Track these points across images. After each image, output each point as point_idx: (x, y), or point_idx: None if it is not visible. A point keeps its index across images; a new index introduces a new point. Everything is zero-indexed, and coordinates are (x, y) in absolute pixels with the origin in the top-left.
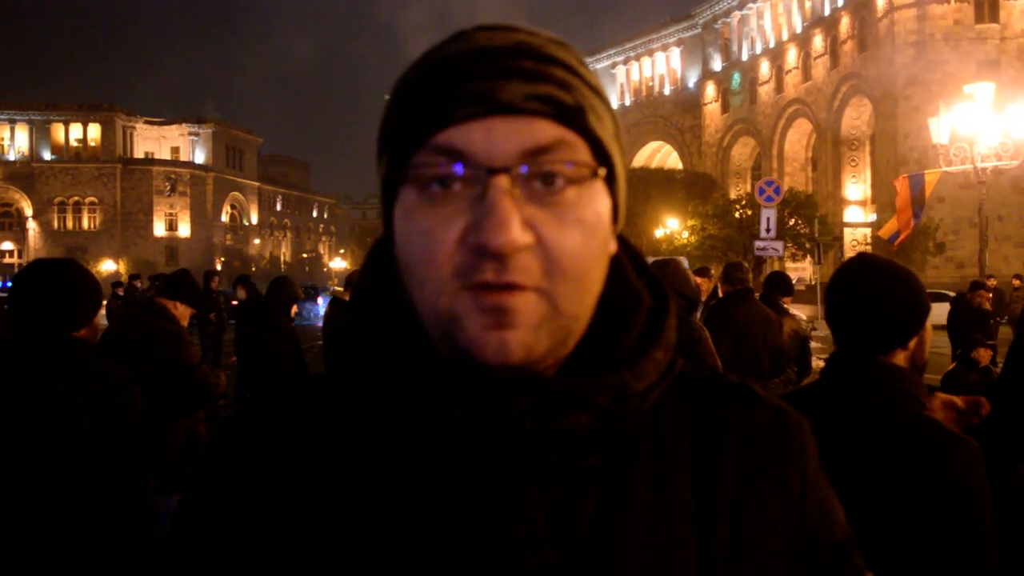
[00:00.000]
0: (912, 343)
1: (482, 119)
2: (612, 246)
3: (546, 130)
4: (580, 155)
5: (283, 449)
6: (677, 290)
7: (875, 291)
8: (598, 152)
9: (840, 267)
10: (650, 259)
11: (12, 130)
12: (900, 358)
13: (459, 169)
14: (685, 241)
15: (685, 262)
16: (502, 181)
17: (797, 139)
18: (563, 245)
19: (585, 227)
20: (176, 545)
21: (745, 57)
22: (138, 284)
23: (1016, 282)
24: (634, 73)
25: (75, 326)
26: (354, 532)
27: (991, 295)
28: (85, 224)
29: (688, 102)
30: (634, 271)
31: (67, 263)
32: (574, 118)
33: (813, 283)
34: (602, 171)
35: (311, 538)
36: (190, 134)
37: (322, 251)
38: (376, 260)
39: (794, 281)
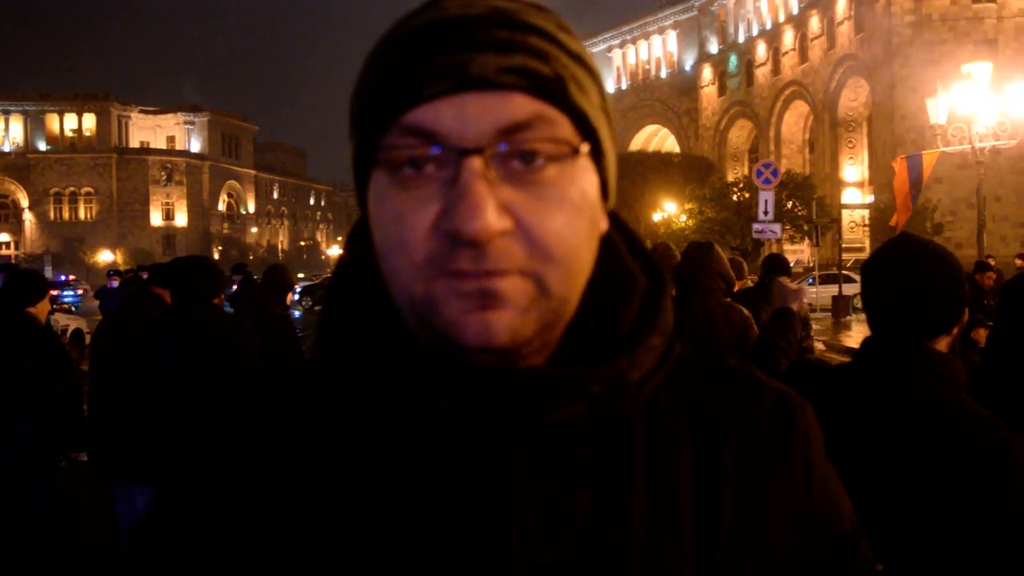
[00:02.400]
0: (955, 329)
1: (452, 96)
2: (602, 224)
3: (522, 105)
4: (561, 131)
5: (262, 446)
6: (721, 274)
7: (923, 276)
8: (582, 126)
9: (882, 248)
10: (658, 244)
11: (6, 121)
12: (943, 344)
13: (428, 151)
14: (683, 224)
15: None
16: (475, 163)
17: (794, 121)
18: (546, 227)
19: (569, 207)
20: (149, 545)
21: (742, 39)
22: (144, 276)
23: (1019, 262)
24: (630, 57)
25: (214, 296)
26: (338, 532)
27: (994, 275)
28: (82, 214)
29: (685, 85)
30: (628, 250)
31: (205, 258)
32: (553, 91)
33: (811, 265)
34: (585, 147)
35: (293, 539)
36: (185, 123)
37: (320, 239)
38: (356, 243)
39: (792, 263)
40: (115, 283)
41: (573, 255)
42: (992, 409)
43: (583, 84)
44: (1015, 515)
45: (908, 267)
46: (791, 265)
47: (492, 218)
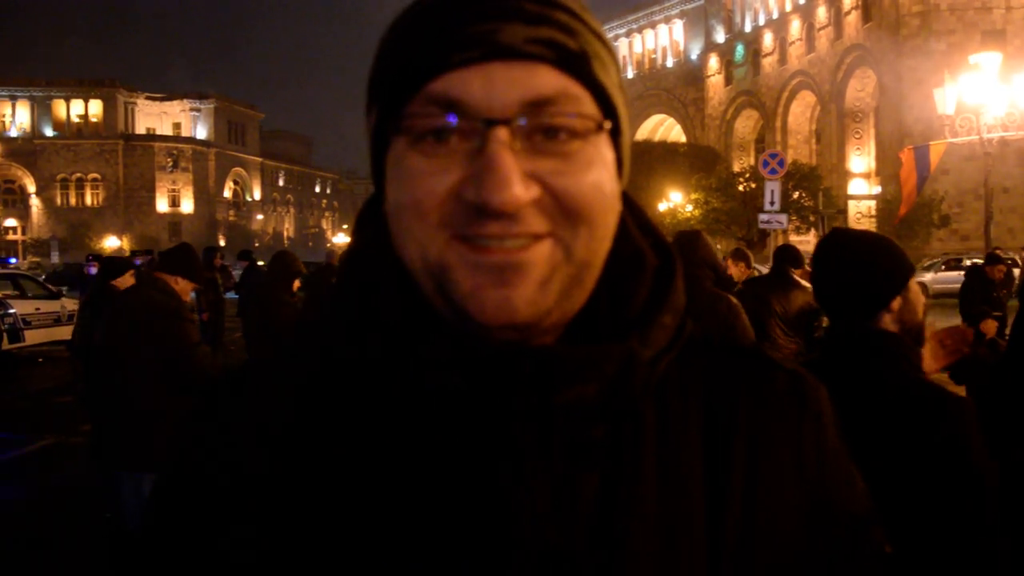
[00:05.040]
0: (895, 304)
1: (480, 64)
2: (618, 204)
3: (549, 78)
4: (585, 107)
5: (266, 421)
6: (709, 263)
7: (846, 258)
8: (603, 102)
9: (817, 243)
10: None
11: (13, 107)
12: (886, 321)
13: (455, 120)
14: (689, 215)
15: None
16: (501, 133)
17: (801, 111)
18: (573, 188)
19: (596, 169)
20: (154, 526)
21: (748, 28)
22: (139, 261)
23: None
24: (636, 45)
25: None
26: (346, 507)
27: (1004, 268)
28: (88, 200)
29: (691, 75)
30: (638, 230)
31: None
32: (578, 65)
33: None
34: (608, 124)
35: (297, 515)
36: (192, 110)
37: (325, 226)
38: (366, 221)
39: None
40: (93, 269)
41: (601, 218)
42: (1016, 393)
43: (605, 62)
44: (958, 464)
45: (835, 255)
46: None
47: (519, 189)
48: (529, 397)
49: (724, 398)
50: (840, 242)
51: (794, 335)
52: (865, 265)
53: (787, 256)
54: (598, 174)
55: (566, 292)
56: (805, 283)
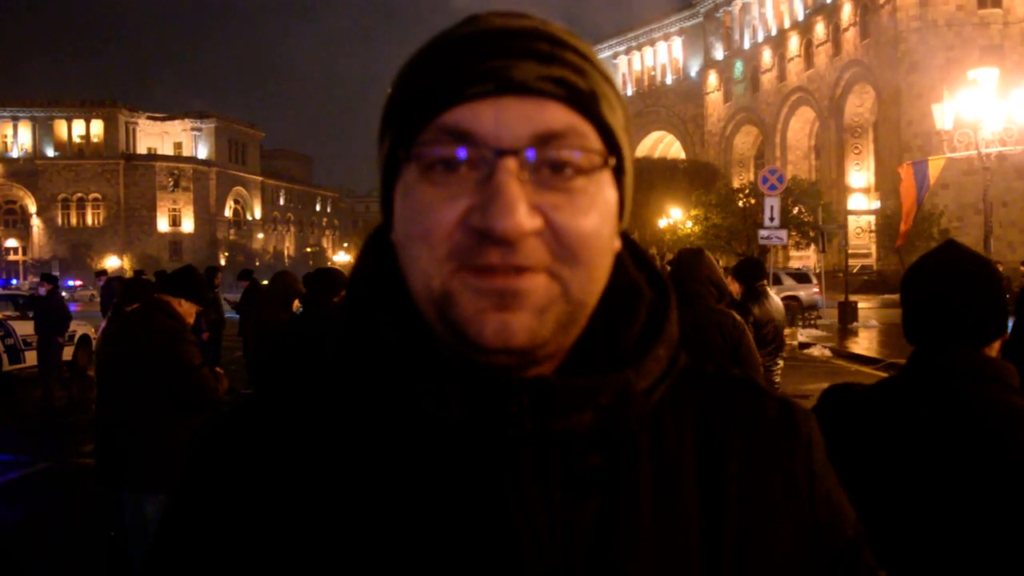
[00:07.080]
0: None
1: (493, 98)
2: (617, 243)
3: (558, 115)
4: (591, 143)
5: (270, 450)
6: (713, 281)
7: (979, 281)
8: (609, 142)
9: (920, 262)
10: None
11: (15, 127)
12: (996, 348)
13: (464, 153)
14: (688, 231)
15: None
16: (510, 163)
17: (800, 127)
18: (574, 228)
19: (597, 212)
20: (161, 554)
21: (747, 46)
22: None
23: None
24: (636, 63)
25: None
26: (351, 534)
27: (1007, 283)
28: (89, 220)
29: (690, 91)
30: (633, 264)
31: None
32: (587, 104)
33: (817, 271)
34: (612, 160)
35: (302, 542)
36: (192, 129)
37: (325, 245)
38: (372, 251)
39: (799, 269)
40: (43, 291)
41: (597, 260)
42: None
43: (612, 103)
44: None
45: (958, 279)
46: (799, 270)
47: (523, 217)
48: (527, 426)
49: (717, 426)
50: (956, 264)
51: (761, 348)
52: (989, 290)
53: (759, 271)
54: (598, 217)
55: (562, 327)
56: (776, 298)
